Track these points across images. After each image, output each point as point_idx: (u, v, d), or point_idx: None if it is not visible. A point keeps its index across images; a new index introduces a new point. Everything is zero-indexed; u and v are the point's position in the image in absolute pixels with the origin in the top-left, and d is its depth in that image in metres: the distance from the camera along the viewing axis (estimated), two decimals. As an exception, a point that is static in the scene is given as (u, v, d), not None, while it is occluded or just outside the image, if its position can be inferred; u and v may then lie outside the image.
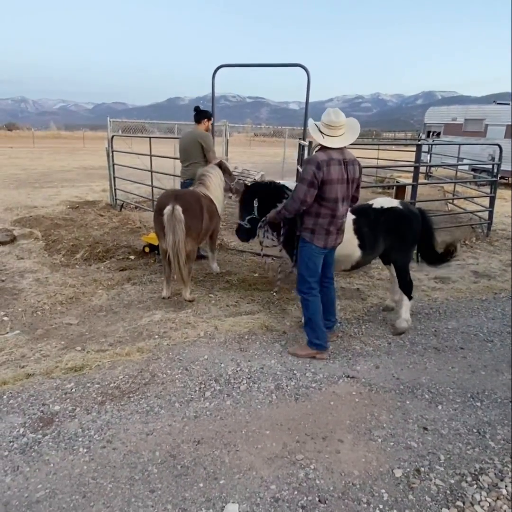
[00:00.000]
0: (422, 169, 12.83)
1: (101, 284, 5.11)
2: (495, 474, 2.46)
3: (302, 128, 5.97)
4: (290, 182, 4.22)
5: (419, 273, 5.62)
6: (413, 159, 7.43)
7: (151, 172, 8.31)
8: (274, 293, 4.80)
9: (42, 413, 2.83)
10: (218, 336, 3.95)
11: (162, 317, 4.30)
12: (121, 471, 2.39)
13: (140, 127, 12.36)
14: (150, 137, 8.81)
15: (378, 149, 14.76)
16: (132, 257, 6.08)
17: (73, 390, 3.08)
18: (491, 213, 8.08)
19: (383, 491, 2.32)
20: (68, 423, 2.75)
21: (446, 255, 4.34)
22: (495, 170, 8.19)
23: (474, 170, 13.22)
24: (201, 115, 5.74)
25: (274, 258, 4.33)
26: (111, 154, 9.11)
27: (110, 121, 9.71)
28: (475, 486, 2.37)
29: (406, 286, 4.18)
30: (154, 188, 8.49)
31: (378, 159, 13.88)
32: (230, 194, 5.82)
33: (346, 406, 3.03)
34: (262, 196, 4.03)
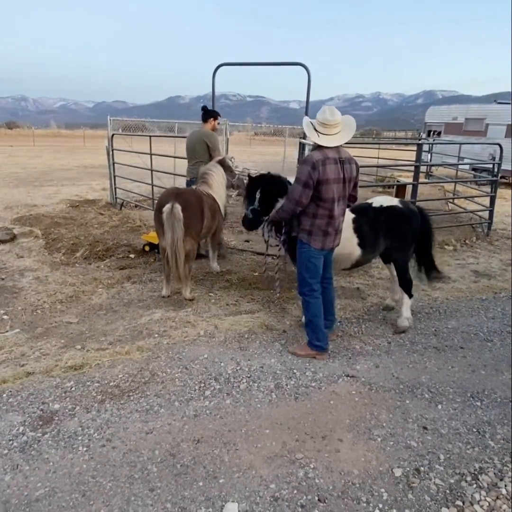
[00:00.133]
0: (423, 168, 12.82)
1: (101, 282, 5.11)
2: (494, 473, 2.46)
3: (303, 127, 5.97)
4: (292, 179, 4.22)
5: (419, 273, 5.60)
6: (414, 159, 7.41)
7: (151, 170, 8.30)
8: (275, 290, 4.78)
9: (41, 412, 2.83)
10: (218, 335, 3.95)
11: (162, 316, 4.30)
12: (120, 469, 2.39)
13: (141, 126, 12.34)
14: (150, 136, 8.80)
15: (379, 148, 14.75)
16: (132, 256, 6.08)
17: (73, 388, 3.08)
18: (491, 213, 8.08)
19: (382, 490, 2.32)
20: (68, 422, 2.75)
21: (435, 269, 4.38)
22: (496, 170, 8.19)
23: (474, 169, 13.22)
24: (207, 114, 5.79)
25: (274, 257, 4.33)
26: (111, 153, 9.11)
27: (110, 120, 9.70)
28: (474, 485, 2.37)
29: (406, 285, 4.19)
30: (154, 187, 8.48)
31: (378, 158, 13.89)
32: (231, 193, 5.82)
33: (345, 405, 3.03)
34: (265, 188, 4.01)
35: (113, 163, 9.20)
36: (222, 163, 5.42)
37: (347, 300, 4.92)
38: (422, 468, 2.48)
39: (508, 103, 15.59)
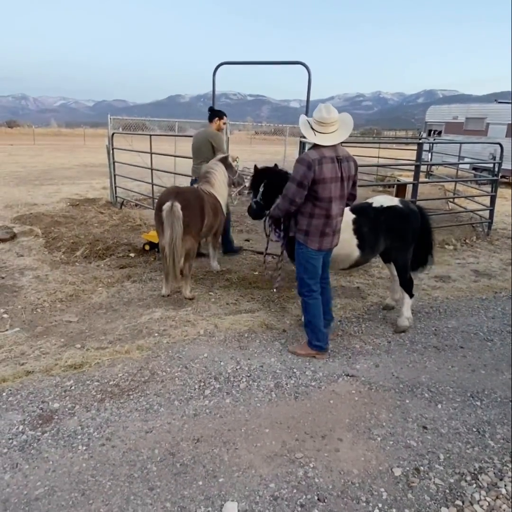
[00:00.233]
0: (423, 167, 12.82)
1: (101, 281, 5.10)
2: (494, 473, 2.46)
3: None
4: None
5: (420, 272, 5.60)
6: (414, 158, 7.41)
7: (152, 169, 8.30)
8: (275, 290, 4.78)
9: (41, 411, 2.83)
10: (218, 334, 3.95)
11: (162, 315, 4.30)
12: (120, 469, 2.39)
13: (141, 125, 12.35)
14: (150, 135, 8.79)
15: (379, 148, 14.74)
16: (132, 254, 6.07)
17: (73, 387, 3.08)
18: (491, 212, 8.07)
19: (382, 490, 2.32)
20: (67, 421, 2.75)
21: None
22: (496, 169, 8.18)
23: (475, 169, 13.21)
24: (213, 114, 5.86)
25: (274, 257, 4.33)
26: (111, 152, 9.11)
27: (110, 119, 9.70)
28: (474, 485, 2.37)
29: (407, 284, 4.18)
30: (154, 186, 8.48)
31: (379, 157, 13.88)
32: (233, 191, 5.83)
33: (345, 404, 3.02)
34: (268, 182, 4.02)
35: (113, 162, 9.19)
36: (224, 161, 5.41)
37: (347, 299, 4.91)
38: (421, 468, 2.48)
39: (509, 103, 15.57)
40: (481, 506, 2.23)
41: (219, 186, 5.18)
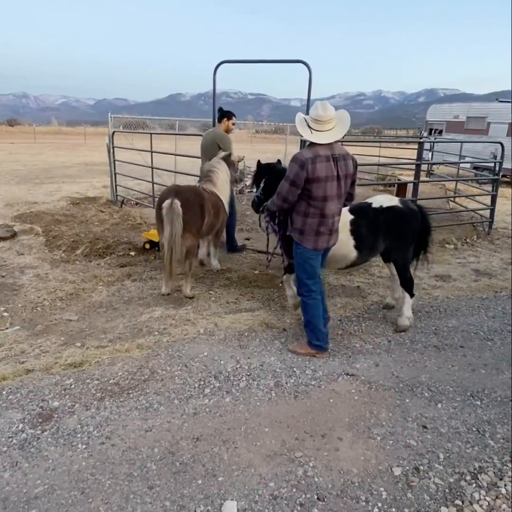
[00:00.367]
0: (424, 166, 12.80)
1: (101, 280, 5.10)
2: (494, 473, 2.45)
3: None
4: None
5: (420, 271, 5.60)
6: (415, 157, 7.40)
7: (152, 168, 8.29)
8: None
9: (41, 409, 2.83)
10: (218, 333, 3.95)
11: (162, 313, 4.30)
12: (119, 467, 2.39)
13: (141, 123, 12.34)
14: (151, 133, 8.79)
15: (380, 147, 14.71)
16: (132, 253, 6.07)
17: (73, 386, 3.08)
18: (492, 212, 8.06)
19: (381, 489, 2.31)
20: (67, 419, 2.75)
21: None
22: (497, 168, 8.17)
23: (476, 168, 13.18)
24: (222, 115, 5.89)
25: (276, 256, 4.33)
26: (112, 150, 9.10)
27: (111, 117, 9.70)
28: (474, 485, 2.37)
29: (407, 284, 4.17)
30: (155, 185, 8.47)
31: (379, 156, 13.85)
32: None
33: (345, 404, 3.02)
34: (268, 178, 4.04)
35: (114, 161, 9.19)
36: (226, 159, 5.40)
37: (347, 298, 4.91)
38: (421, 467, 2.48)
39: (510, 102, 15.54)
40: (481, 506, 2.23)
41: (221, 184, 5.18)
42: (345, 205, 3.63)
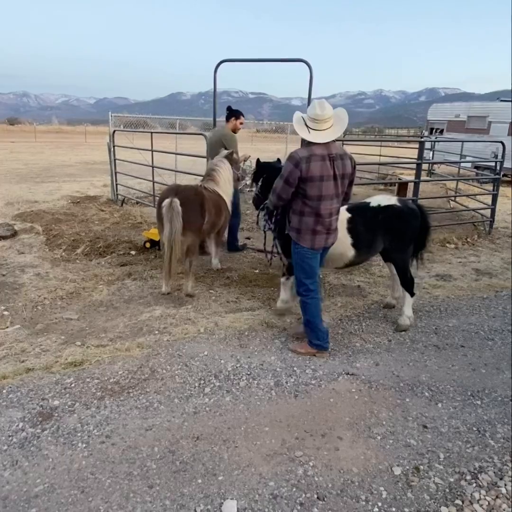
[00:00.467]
0: (425, 166, 12.79)
1: (101, 279, 5.10)
2: (494, 472, 2.45)
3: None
4: None
5: (420, 270, 5.60)
6: (416, 156, 7.39)
7: (153, 167, 8.29)
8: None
9: (41, 408, 2.83)
10: (218, 332, 3.94)
11: (162, 312, 4.30)
12: (119, 466, 2.39)
13: (142, 122, 12.33)
14: (151, 132, 8.78)
15: (381, 146, 14.70)
16: (133, 252, 6.07)
17: (73, 385, 3.08)
18: (493, 211, 8.05)
19: (381, 488, 2.31)
20: (67, 418, 2.75)
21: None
22: (498, 168, 8.16)
23: (476, 167, 13.16)
24: (229, 114, 5.92)
25: (275, 255, 4.34)
26: (112, 149, 9.10)
27: (111, 116, 9.69)
28: (474, 484, 2.36)
29: (407, 283, 4.16)
30: (155, 184, 8.47)
31: (380, 155, 13.84)
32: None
33: (345, 403, 3.02)
34: (266, 176, 4.07)
35: (114, 160, 9.18)
36: (229, 157, 5.40)
37: (348, 298, 4.90)
38: (421, 467, 2.47)
39: (511, 101, 15.51)
40: (481, 506, 2.22)
41: (224, 183, 5.18)
42: (342, 205, 3.62)
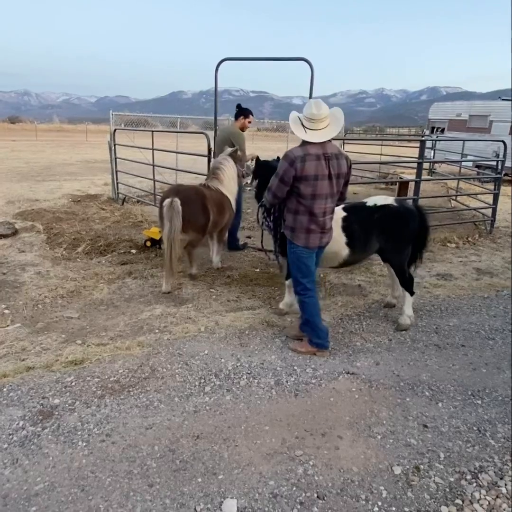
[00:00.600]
0: (426, 165, 12.77)
1: (102, 278, 5.11)
2: (495, 472, 2.45)
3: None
4: None
5: (421, 270, 5.59)
6: (417, 155, 7.38)
7: (153, 166, 8.29)
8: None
9: (41, 406, 2.83)
10: (218, 331, 3.94)
11: (162, 311, 4.30)
12: (120, 465, 2.39)
13: (143, 121, 12.33)
14: (152, 131, 8.78)
15: (382, 145, 14.68)
16: (133, 251, 6.07)
17: (73, 383, 3.09)
18: (494, 210, 8.04)
19: (382, 488, 2.31)
20: (68, 417, 2.75)
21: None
22: (499, 167, 8.14)
23: (478, 166, 13.14)
24: (238, 112, 5.93)
25: (275, 256, 4.35)
26: (113, 148, 9.09)
27: (112, 115, 9.69)
28: (474, 484, 2.36)
29: (407, 283, 4.14)
30: (156, 182, 8.47)
31: (381, 154, 13.82)
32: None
33: (346, 402, 3.02)
34: (263, 174, 4.10)
35: (115, 158, 9.18)
36: (233, 155, 5.40)
37: (348, 297, 4.90)
38: (421, 466, 2.47)
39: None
40: (481, 505, 2.22)
41: (228, 181, 5.21)
42: (337, 205, 3.62)
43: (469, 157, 11.76)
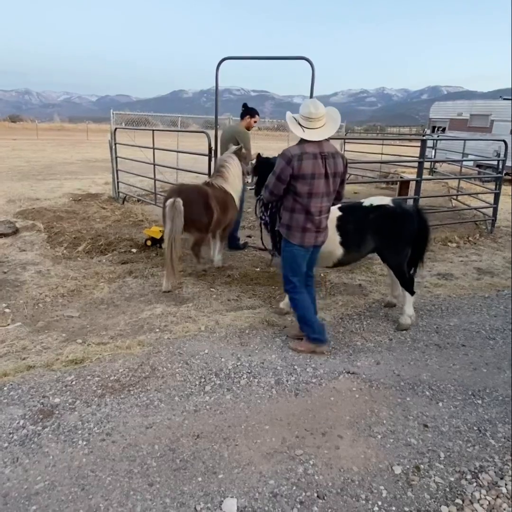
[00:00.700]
0: (427, 164, 12.75)
1: (102, 277, 5.11)
2: (495, 472, 2.45)
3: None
4: None
5: (421, 270, 5.58)
6: (418, 155, 7.37)
7: (154, 165, 8.28)
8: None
9: (42, 405, 2.83)
10: (219, 330, 3.94)
11: (163, 310, 4.30)
12: (120, 464, 2.39)
13: (144, 120, 12.32)
14: (153, 130, 8.78)
15: (383, 144, 14.67)
16: (134, 250, 6.07)
17: (73, 382, 3.09)
18: (495, 210, 8.03)
19: (382, 487, 2.31)
20: (68, 416, 2.75)
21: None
22: (500, 166, 8.13)
23: (479, 166, 13.13)
24: (244, 112, 5.97)
25: (274, 255, 4.36)
26: (114, 147, 9.09)
27: (113, 114, 9.68)
28: (474, 484, 2.36)
29: (406, 283, 4.12)
30: (156, 181, 8.47)
31: (382, 154, 13.81)
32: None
33: (346, 402, 3.02)
34: (262, 171, 4.12)
35: (116, 157, 9.18)
36: (238, 153, 5.41)
37: (349, 296, 4.90)
38: (422, 466, 2.47)
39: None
40: (481, 505, 2.22)
41: (232, 180, 5.23)
42: (333, 204, 3.62)
43: (470, 157, 11.74)
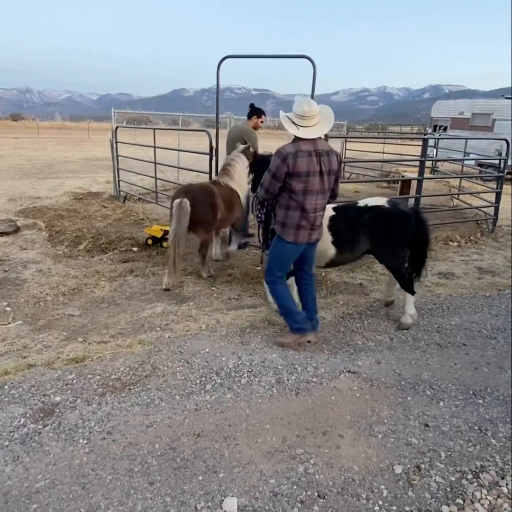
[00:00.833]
0: (428, 163, 12.73)
1: (103, 275, 5.11)
2: (496, 472, 2.44)
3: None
4: None
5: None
6: (419, 153, 7.35)
7: (155, 164, 8.28)
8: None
9: (43, 404, 2.84)
10: (219, 329, 3.94)
11: (164, 309, 4.30)
12: (120, 463, 2.39)
13: (145, 119, 12.31)
14: (154, 129, 8.77)
15: (384, 143, 14.64)
16: (135, 249, 6.07)
17: (74, 381, 3.09)
18: (496, 209, 8.01)
19: (382, 487, 2.31)
20: (69, 414, 2.75)
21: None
22: (502, 166, 8.11)
23: (480, 165, 13.10)
24: (251, 112, 6.00)
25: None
26: (115, 146, 9.09)
27: (114, 112, 9.68)
28: (475, 483, 2.36)
29: (406, 285, 4.09)
30: (158, 180, 8.46)
31: (383, 153, 13.78)
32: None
33: (347, 401, 3.02)
34: (259, 170, 4.06)
35: (117, 156, 9.18)
36: (245, 152, 5.42)
37: (349, 296, 4.89)
38: (422, 466, 2.47)
39: (513, 98, 15.40)
40: (482, 505, 2.22)
41: (239, 178, 5.26)
42: (329, 203, 3.61)
43: (471, 156, 11.72)
